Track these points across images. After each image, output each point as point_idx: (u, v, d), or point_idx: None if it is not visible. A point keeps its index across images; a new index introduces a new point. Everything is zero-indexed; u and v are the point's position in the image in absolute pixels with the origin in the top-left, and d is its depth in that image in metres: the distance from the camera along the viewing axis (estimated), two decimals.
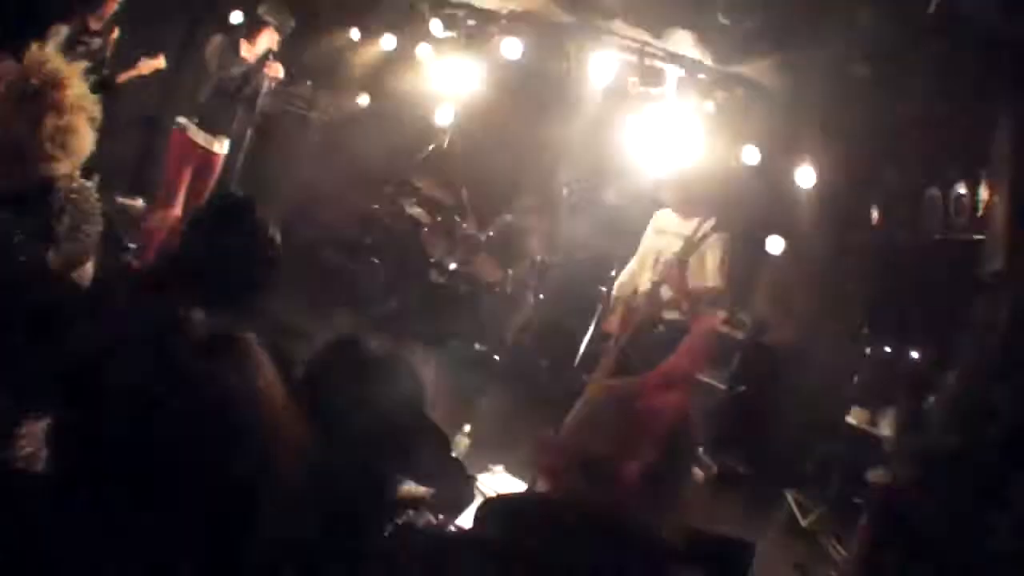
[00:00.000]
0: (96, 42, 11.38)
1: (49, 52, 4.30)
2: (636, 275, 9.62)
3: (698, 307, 9.24)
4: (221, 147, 11.06)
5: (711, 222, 9.11)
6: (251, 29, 11.13)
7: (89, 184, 4.51)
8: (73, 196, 4.32)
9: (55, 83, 4.18)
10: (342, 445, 3.15)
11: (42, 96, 4.14)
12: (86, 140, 4.32)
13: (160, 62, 11.75)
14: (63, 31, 11.08)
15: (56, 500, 2.09)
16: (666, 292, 9.18)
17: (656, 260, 9.33)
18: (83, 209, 4.35)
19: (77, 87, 4.27)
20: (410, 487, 3.39)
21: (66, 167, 4.27)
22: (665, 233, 9.53)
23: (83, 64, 4.41)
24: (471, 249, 13.73)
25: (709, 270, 9.19)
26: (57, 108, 4.16)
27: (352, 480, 3.16)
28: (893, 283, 10.81)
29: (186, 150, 10.85)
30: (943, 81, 8.80)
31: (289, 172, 15.98)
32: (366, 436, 3.19)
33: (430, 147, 13.95)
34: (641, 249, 9.74)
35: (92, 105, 4.34)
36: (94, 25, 11.37)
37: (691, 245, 9.06)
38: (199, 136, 10.81)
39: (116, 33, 11.47)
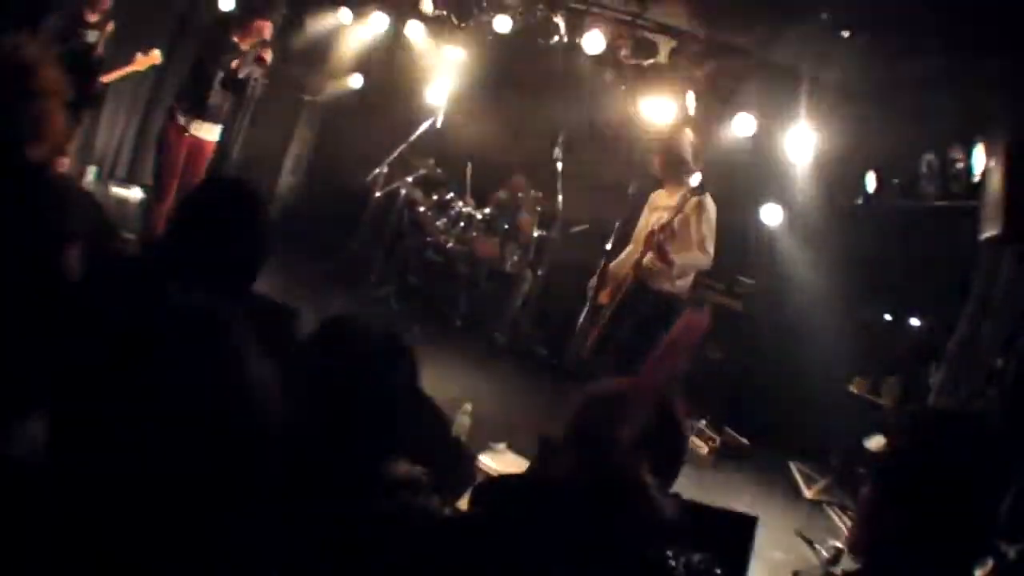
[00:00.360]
0: (92, 34, 11.36)
1: (21, 39, 4.26)
2: (632, 253, 9.67)
3: (684, 275, 9.35)
4: (212, 134, 11.00)
5: (693, 187, 9.20)
6: (243, 18, 11.07)
7: (69, 172, 4.51)
8: (53, 181, 4.29)
9: (27, 69, 4.14)
10: (334, 423, 3.17)
11: (13, 82, 4.11)
12: (60, 125, 4.29)
13: (156, 57, 11.69)
14: (56, 22, 11.09)
15: (56, 493, 2.07)
16: (652, 262, 9.23)
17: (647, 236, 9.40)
18: (65, 193, 4.33)
19: (51, 72, 4.23)
20: (407, 467, 3.34)
21: (42, 152, 4.23)
22: (657, 209, 9.60)
23: (59, 50, 4.37)
24: (468, 227, 13.69)
25: (694, 239, 9.25)
26: (29, 94, 4.12)
27: (344, 459, 3.18)
28: (892, 250, 10.78)
29: (177, 138, 10.83)
30: (937, 45, 8.75)
31: (284, 155, 16.00)
32: (357, 413, 3.21)
33: (424, 126, 13.87)
34: (638, 227, 9.80)
35: (66, 90, 4.31)
36: (90, 18, 11.35)
37: (674, 212, 9.12)
38: (190, 124, 10.78)
39: (111, 27, 11.43)
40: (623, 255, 9.89)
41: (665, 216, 9.33)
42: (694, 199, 9.23)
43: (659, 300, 9.32)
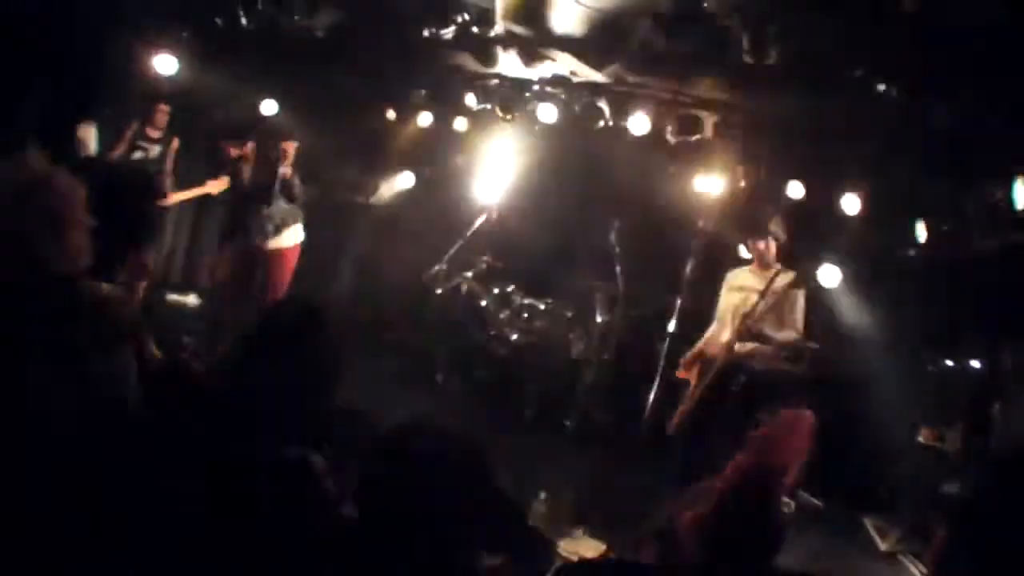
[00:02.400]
0: (155, 149, 11.82)
1: (33, 156, 4.41)
2: (717, 335, 9.94)
3: (780, 353, 9.61)
4: (283, 241, 11.47)
5: (788, 274, 9.46)
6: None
7: (101, 284, 4.58)
8: (85, 294, 4.39)
9: (41, 187, 4.30)
10: (408, 524, 3.38)
11: (29, 200, 4.26)
12: (80, 240, 4.41)
13: (224, 183, 12.11)
14: (92, 132, 11.49)
15: None
16: (741, 346, 9.49)
17: (733, 317, 9.65)
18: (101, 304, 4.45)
19: (65, 189, 4.36)
20: (485, 559, 3.55)
21: (67, 265, 4.35)
22: (742, 290, 9.86)
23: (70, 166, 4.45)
24: (531, 318, 13.97)
25: (788, 317, 9.57)
26: (43, 212, 4.27)
27: (419, 558, 3.37)
28: (946, 295, 10.90)
29: (234, 251, 11.28)
30: (970, 85, 8.90)
31: (343, 257, 16.23)
32: (433, 517, 3.39)
33: (479, 219, 14.10)
34: (721, 308, 10.05)
35: (81, 206, 4.42)
36: (152, 133, 11.79)
37: (763, 294, 9.42)
38: (255, 239, 11.20)
39: (176, 144, 11.85)
40: (709, 334, 10.16)
41: (753, 297, 9.63)
42: (786, 278, 9.53)
43: (754, 380, 9.59)
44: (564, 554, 7.79)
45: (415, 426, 3.59)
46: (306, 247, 11.96)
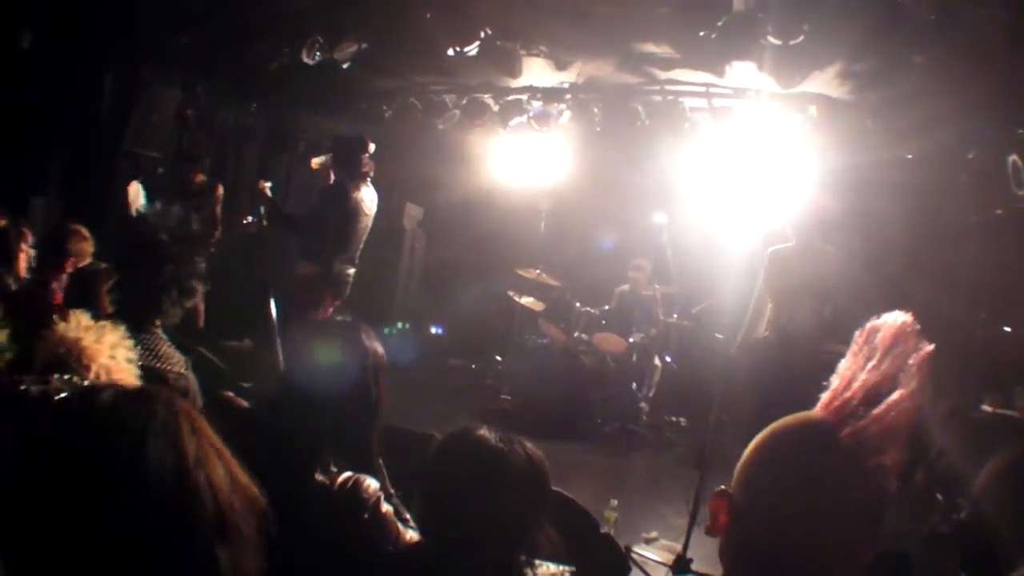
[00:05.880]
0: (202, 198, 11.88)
1: (63, 327, 4.33)
2: (764, 315, 9.68)
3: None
4: None
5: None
6: None
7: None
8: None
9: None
10: (467, 533, 3.29)
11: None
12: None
13: None
14: (139, 189, 11.57)
15: None
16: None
17: (791, 297, 9.36)
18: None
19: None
20: (548, 567, 3.47)
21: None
22: (789, 269, 9.55)
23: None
24: (590, 326, 14.13)
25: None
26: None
27: (478, 566, 3.32)
28: (994, 259, 10.75)
29: None
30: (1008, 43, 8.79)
31: (396, 281, 16.29)
32: (488, 523, 3.30)
33: (536, 229, 14.12)
34: (768, 290, 9.71)
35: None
36: (196, 183, 11.89)
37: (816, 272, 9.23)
38: None
39: (221, 191, 11.90)
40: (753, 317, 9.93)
41: (806, 279, 9.46)
42: (829, 255, 9.37)
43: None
44: (639, 558, 7.74)
45: (467, 435, 3.48)
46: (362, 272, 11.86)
